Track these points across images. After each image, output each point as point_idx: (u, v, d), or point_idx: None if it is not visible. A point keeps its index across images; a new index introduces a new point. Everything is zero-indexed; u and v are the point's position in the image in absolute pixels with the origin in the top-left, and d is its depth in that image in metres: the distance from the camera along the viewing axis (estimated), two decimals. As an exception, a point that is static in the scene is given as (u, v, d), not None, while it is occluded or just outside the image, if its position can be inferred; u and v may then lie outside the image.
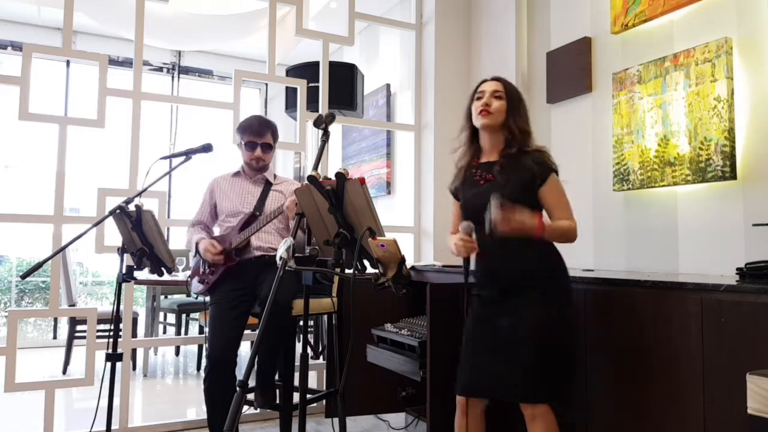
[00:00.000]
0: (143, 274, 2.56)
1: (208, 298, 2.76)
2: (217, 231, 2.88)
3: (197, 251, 2.76)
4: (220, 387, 2.50)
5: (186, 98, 5.21)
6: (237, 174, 2.89)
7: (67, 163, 3.07)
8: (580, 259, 3.11)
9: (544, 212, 1.98)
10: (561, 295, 1.96)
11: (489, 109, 1.98)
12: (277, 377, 2.68)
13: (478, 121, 2.01)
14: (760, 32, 2.35)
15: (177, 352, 5.48)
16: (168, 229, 4.96)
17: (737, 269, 1.98)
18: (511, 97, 2.02)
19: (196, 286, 2.78)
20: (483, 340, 1.95)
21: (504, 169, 1.96)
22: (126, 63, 5.86)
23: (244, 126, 2.82)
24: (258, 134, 2.78)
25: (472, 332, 1.99)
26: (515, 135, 1.98)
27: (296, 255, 1.73)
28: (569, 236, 1.94)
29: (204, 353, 3.43)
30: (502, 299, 1.95)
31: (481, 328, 1.97)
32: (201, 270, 2.74)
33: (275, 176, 2.93)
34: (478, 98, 2.03)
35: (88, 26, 5.61)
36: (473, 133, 2.08)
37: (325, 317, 3.36)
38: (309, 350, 4.50)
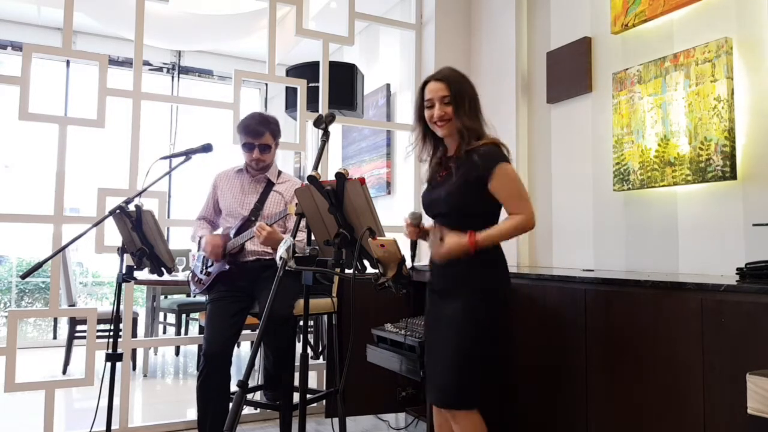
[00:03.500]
0: (143, 274, 2.56)
1: (206, 297, 2.77)
2: (220, 229, 2.89)
3: (199, 246, 2.78)
4: (213, 386, 2.49)
5: (186, 98, 5.21)
6: (240, 171, 2.87)
7: (67, 163, 3.06)
8: (580, 259, 3.11)
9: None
10: (489, 299, 1.92)
11: (445, 118, 1.95)
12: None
13: (437, 131, 2.00)
14: (760, 32, 2.35)
15: (177, 352, 5.48)
16: (168, 229, 4.96)
17: (737, 269, 1.97)
18: (455, 97, 1.95)
19: (193, 286, 2.80)
20: (427, 342, 2.04)
21: (456, 168, 1.95)
22: (126, 63, 5.87)
23: (241, 126, 2.76)
24: (255, 135, 2.72)
25: (425, 332, 2.08)
26: (464, 134, 1.95)
27: (296, 255, 1.73)
28: (515, 232, 1.89)
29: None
30: (437, 301, 2.00)
31: (426, 329, 2.06)
32: (199, 269, 2.77)
33: (279, 174, 2.88)
34: (428, 106, 1.99)
35: (88, 26, 5.62)
36: (426, 130, 2.04)
37: (325, 317, 3.36)
38: (309, 350, 4.50)
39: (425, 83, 2.02)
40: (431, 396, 2.01)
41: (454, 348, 1.88)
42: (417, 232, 2.01)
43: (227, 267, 2.68)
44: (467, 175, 1.91)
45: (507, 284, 2.01)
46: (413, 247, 2.00)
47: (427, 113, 1.99)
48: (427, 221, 2.09)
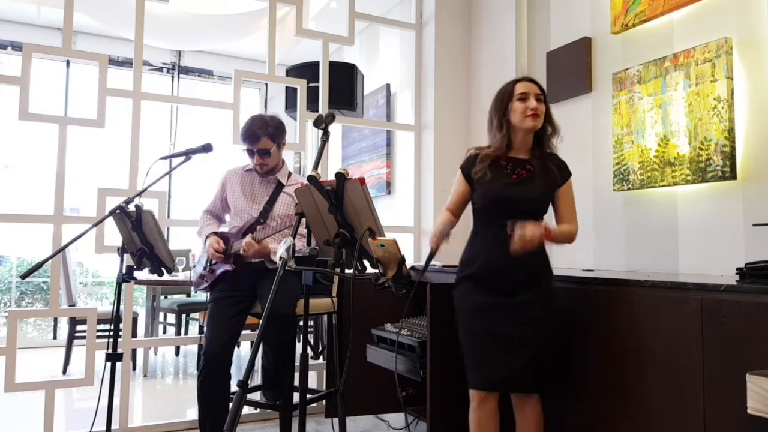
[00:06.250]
0: (143, 274, 2.56)
1: (208, 296, 2.77)
2: (226, 227, 2.89)
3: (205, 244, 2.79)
4: (213, 385, 2.49)
5: (186, 98, 5.21)
6: (250, 170, 2.85)
7: (67, 163, 3.06)
8: (580, 259, 3.11)
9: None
10: (556, 291, 2.14)
11: (537, 113, 2.06)
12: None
13: (525, 123, 2.07)
14: (760, 32, 2.35)
15: (177, 352, 5.48)
16: (168, 229, 4.96)
17: (737, 269, 1.97)
18: (547, 99, 2.13)
19: (196, 282, 2.80)
20: (496, 332, 2.05)
21: (536, 169, 2.10)
22: (126, 63, 5.86)
23: (242, 133, 2.76)
24: (252, 141, 2.71)
25: (484, 323, 2.06)
26: (548, 135, 2.13)
27: (296, 255, 1.73)
28: (571, 239, 2.12)
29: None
30: (511, 293, 2.04)
31: (493, 320, 2.05)
32: (203, 267, 2.77)
33: (290, 175, 2.87)
34: (521, 99, 2.08)
35: (88, 26, 5.61)
36: (506, 124, 2.13)
37: (325, 317, 3.36)
38: (309, 350, 4.50)
39: (517, 81, 2.14)
40: (513, 384, 2.05)
41: (545, 339, 2.03)
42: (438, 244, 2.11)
43: (231, 267, 2.68)
44: (550, 181, 2.10)
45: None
46: (431, 257, 2.13)
47: (519, 105, 2.08)
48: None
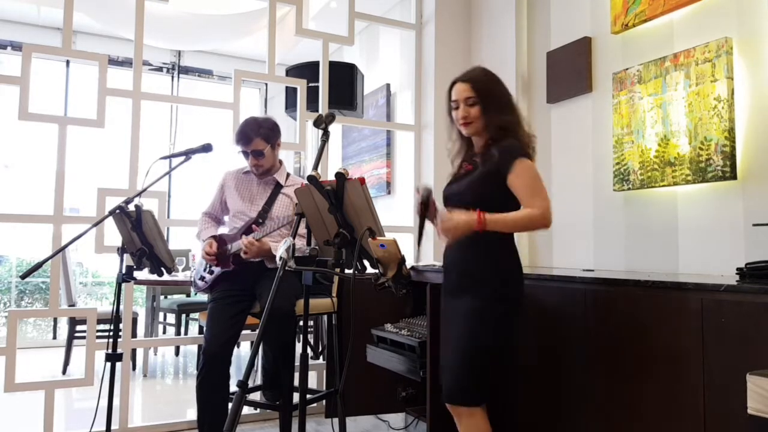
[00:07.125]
0: (143, 274, 2.56)
1: (208, 296, 2.77)
2: (226, 229, 2.89)
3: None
4: (212, 385, 2.49)
5: (186, 98, 5.21)
6: (248, 172, 2.86)
7: (67, 163, 3.06)
8: (580, 259, 3.11)
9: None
10: (496, 298, 1.90)
11: (468, 120, 1.97)
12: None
13: (463, 131, 2.02)
14: (760, 32, 2.35)
15: (177, 352, 5.48)
16: (168, 229, 4.96)
17: (737, 269, 1.97)
18: (483, 97, 1.95)
19: (196, 283, 2.81)
20: (441, 335, 2.09)
21: (481, 162, 1.97)
22: (126, 63, 5.86)
23: (235, 135, 2.78)
24: (244, 142, 2.72)
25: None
26: (495, 132, 1.95)
27: (296, 255, 1.73)
28: (526, 223, 1.85)
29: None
30: (449, 300, 2.03)
31: (442, 321, 2.08)
32: (202, 268, 2.77)
33: (288, 176, 2.87)
34: (455, 107, 2.01)
35: (88, 26, 5.61)
36: (461, 133, 2.07)
37: (325, 317, 3.36)
38: (309, 350, 4.49)
39: (452, 84, 2.04)
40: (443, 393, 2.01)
41: (458, 347, 1.92)
42: (422, 209, 1.96)
43: (230, 267, 2.68)
44: (485, 169, 1.92)
45: (518, 292, 1.98)
46: (420, 225, 2.01)
47: (453, 114, 2.03)
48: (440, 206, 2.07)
